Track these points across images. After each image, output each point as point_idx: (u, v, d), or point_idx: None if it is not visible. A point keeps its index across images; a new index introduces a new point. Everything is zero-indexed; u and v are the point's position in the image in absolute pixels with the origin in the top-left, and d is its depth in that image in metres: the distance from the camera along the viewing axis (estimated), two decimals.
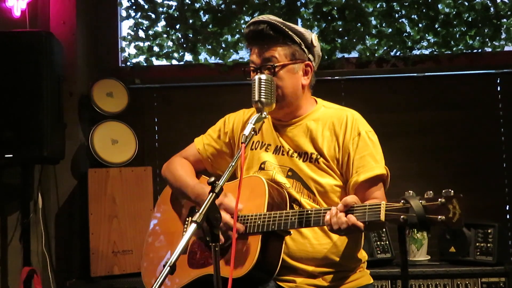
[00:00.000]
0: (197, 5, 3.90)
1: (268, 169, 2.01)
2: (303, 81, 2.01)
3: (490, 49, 3.82)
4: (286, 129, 2.03)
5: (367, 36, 3.84)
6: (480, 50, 3.81)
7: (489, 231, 3.26)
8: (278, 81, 1.94)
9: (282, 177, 1.98)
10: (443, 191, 1.50)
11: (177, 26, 3.90)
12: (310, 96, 2.09)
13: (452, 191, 1.50)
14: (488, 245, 3.23)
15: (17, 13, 3.45)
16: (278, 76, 1.94)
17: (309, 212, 1.77)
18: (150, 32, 3.93)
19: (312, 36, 2.03)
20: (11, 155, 3.06)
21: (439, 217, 1.48)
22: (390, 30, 3.83)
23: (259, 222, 1.82)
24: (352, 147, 1.93)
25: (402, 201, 1.55)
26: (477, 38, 3.79)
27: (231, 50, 3.88)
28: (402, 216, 1.54)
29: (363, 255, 2.05)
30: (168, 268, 1.31)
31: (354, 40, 3.81)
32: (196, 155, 2.20)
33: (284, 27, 1.96)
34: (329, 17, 3.82)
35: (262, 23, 1.96)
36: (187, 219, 2.10)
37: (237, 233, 1.82)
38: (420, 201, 1.51)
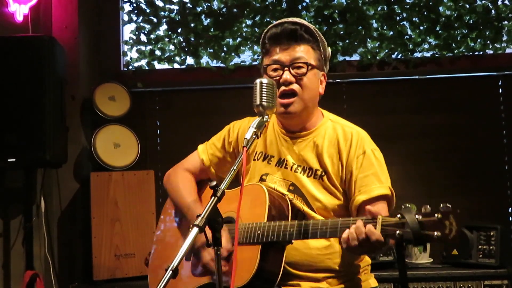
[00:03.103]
0: (199, 9, 3.91)
1: (270, 182, 1.99)
2: (320, 90, 2.00)
3: (491, 52, 3.81)
4: (293, 142, 2.01)
5: (368, 39, 3.84)
6: (481, 53, 3.81)
7: (492, 233, 3.24)
8: (306, 81, 1.93)
9: (283, 190, 1.97)
10: (441, 205, 1.47)
11: (179, 30, 3.91)
12: (319, 108, 2.07)
13: (450, 206, 1.47)
14: (491, 247, 3.22)
15: (19, 18, 3.47)
16: (307, 76, 1.93)
17: (308, 223, 1.76)
18: (152, 36, 3.94)
19: (329, 49, 2.04)
20: (14, 159, 3.07)
21: (435, 233, 1.45)
22: (391, 33, 3.83)
23: (259, 232, 1.81)
24: (355, 166, 1.90)
25: (398, 215, 1.52)
26: (479, 40, 3.79)
27: (233, 54, 3.88)
28: (397, 232, 1.50)
29: (366, 259, 2.05)
30: (170, 272, 1.31)
31: (356, 43, 3.81)
32: (200, 165, 2.18)
33: (315, 32, 1.96)
34: (330, 20, 3.83)
35: (295, 24, 1.95)
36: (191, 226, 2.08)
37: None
38: (416, 216, 1.48)
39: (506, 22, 3.77)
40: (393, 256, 3.34)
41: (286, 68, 1.92)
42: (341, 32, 3.82)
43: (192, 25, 3.89)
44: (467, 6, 3.78)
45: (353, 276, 1.98)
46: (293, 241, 1.84)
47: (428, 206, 1.49)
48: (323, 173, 1.93)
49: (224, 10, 3.89)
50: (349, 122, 2.05)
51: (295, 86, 1.92)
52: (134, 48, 3.95)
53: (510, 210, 3.75)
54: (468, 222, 3.37)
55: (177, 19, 3.91)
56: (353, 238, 1.59)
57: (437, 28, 3.80)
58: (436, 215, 1.46)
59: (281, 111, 1.95)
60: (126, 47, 3.97)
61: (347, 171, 1.91)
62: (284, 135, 2.03)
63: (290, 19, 1.98)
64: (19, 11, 3.46)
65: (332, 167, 1.93)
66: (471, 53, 3.82)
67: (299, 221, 1.79)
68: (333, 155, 1.94)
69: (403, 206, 1.53)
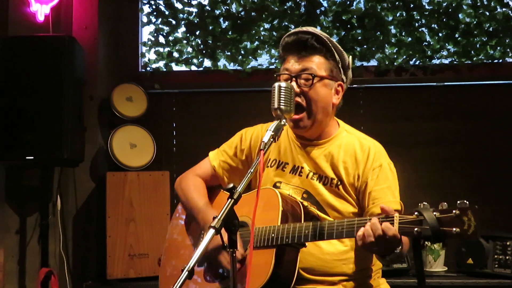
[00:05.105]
0: (217, 12, 3.93)
1: (283, 189, 1.98)
2: (334, 100, 1.99)
3: (511, 60, 3.78)
4: (308, 149, 2.00)
5: (386, 45, 3.82)
6: (501, 61, 3.78)
7: (508, 243, 3.21)
8: (313, 93, 1.93)
9: (297, 198, 1.96)
10: (458, 202, 1.47)
11: (197, 33, 3.93)
12: (334, 118, 2.07)
13: (467, 202, 1.46)
14: (507, 257, 3.18)
15: (40, 17, 3.51)
16: (314, 88, 1.93)
17: (323, 224, 1.76)
18: (170, 38, 3.96)
19: (350, 58, 2.03)
20: (32, 157, 3.10)
21: (454, 229, 1.44)
22: (409, 39, 3.81)
23: (273, 235, 1.80)
24: (371, 177, 1.91)
25: (415, 213, 1.52)
26: (498, 48, 3.76)
27: (250, 57, 3.89)
28: (416, 229, 1.50)
29: (377, 263, 2.04)
30: (186, 272, 1.31)
31: (373, 49, 3.80)
32: (211, 171, 2.16)
33: (328, 41, 1.96)
34: (349, 25, 3.82)
35: (307, 34, 1.95)
36: (202, 232, 2.07)
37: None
38: (434, 213, 1.48)
39: None
40: (407, 263, 3.32)
41: (293, 79, 1.93)
42: (359, 38, 3.81)
43: (210, 27, 3.91)
44: (487, 13, 3.75)
45: (366, 280, 1.98)
46: (307, 245, 1.83)
47: (445, 203, 1.49)
48: (339, 183, 1.94)
49: (242, 13, 3.90)
50: (364, 134, 2.05)
51: (300, 99, 1.92)
52: (152, 50, 3.98)
53: None
54: (484, 231, 3.33)
55: (196, 21, 3.93)
56: (369, 235, 1.58)
57: (456, 35, 3.77)
58: (454, 211, 1.45)
59: (291, 125, 1.97)
60: (144, 49, 4.00)
61: (362, 181, 1.92)
62: (299, 142, 2.03)
63: (305, 28, 1.98)
64: (41, 11, 3.50)
65: (347, 177, 1.93)
66: (490, 61, 3.78)
67: (314, 222, 1.78)
68: (348, 166, 1.94)
69: (419, 204, 1.52)
